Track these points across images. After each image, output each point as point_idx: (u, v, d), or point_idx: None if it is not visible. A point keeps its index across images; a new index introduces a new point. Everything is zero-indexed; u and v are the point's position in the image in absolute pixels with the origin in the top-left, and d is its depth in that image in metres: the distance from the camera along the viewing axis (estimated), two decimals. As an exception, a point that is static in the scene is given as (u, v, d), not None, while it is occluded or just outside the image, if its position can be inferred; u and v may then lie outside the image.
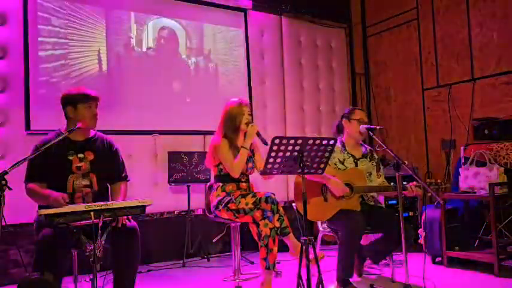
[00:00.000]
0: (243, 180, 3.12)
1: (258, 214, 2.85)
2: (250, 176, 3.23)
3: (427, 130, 5.05)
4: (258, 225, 2.86)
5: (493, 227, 3.33)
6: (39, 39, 3.79)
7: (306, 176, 2.49)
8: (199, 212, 4.45)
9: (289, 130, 5.15)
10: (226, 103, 3.20)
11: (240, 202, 2.91)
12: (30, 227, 2.88)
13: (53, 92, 3.75)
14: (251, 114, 3.17)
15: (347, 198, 3.02)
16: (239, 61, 4.88)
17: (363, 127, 3.12)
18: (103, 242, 2.17)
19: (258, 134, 3.07)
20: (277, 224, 2.84)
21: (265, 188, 3.21)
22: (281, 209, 2.88)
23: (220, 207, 3.01)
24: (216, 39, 4.76)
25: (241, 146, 3.03)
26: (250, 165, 3.15)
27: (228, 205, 2.96)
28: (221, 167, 3.11)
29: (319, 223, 3.27)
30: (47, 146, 2.37)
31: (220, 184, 3.10)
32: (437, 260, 3.78)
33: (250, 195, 2.93)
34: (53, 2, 3.88)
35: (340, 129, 3.31)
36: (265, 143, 2.95)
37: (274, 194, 2.91)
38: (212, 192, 3.13)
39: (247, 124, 3.09)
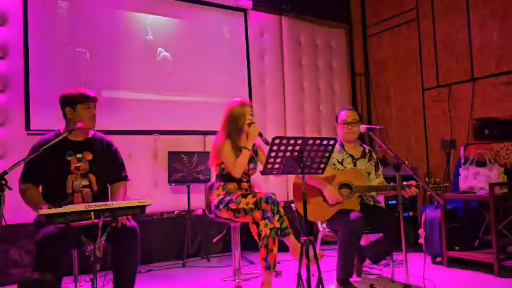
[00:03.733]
0: (244, 180, 3.13)
1: (258, 214, 2.86)
2: (251, 176, 3.24)
3: (427, 130, 5.05)
4: (258, 226, 2.86)
5: (493, 227, 3.33)
6: (39, 39, 3.79)
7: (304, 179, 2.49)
8: (199, 212, 4.45)
9: (289, 130, 5.15)
10: (228, 103, 3.20)
11: (240, 202, 2.92)
12: (30, 227, 2.88)
13: (53, 92, 3.74)
14: (253, 115, 3.17)
15: (347, 198, 3.02)
16: (239, 61, 4.88)
17: (362, 127, 3.14)
18: (103, 242, 2.17)
19: (260, 135, 3.07)
20: (277, 225, 2.84)
21: (266, 188, 3.21)
22: (281, 210, 2.88)
23: (221, 206, 3.01)
24: (216, 39, 4.75)
25: (243, 147, 3.03)
26: (252, 165, 3.16)
27: (229, 205, 2.96)
28: (223, 166, 3.11)
29: (319, 223, 3.27)
30: (45, 147, 2.37)
31: (222, 183, 3.10)
32: (437, 260, 3.78)
33: (251, 195, 2.93)
34: (52, 2, 3.89)
35: None
36: (267, 143, 2.97)
37: (274, 195, 2.91)
38: (213, 192, 3.14)
39: (249, 125, 3.09)
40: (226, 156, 3.04)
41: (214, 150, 3.13)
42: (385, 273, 3.50)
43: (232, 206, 2.94)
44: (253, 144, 3.19)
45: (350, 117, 3.20)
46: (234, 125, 3.11)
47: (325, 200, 3.04)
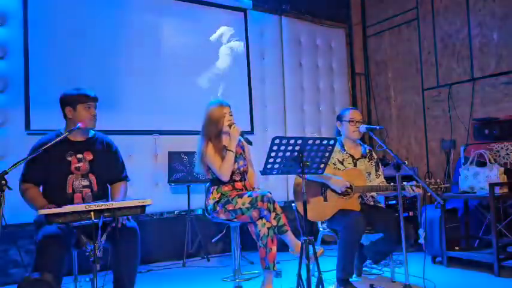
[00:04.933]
0: (237, 179, 3.11)
1: (255, 213, 2.85)
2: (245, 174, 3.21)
3: (427, 130, 5.05)
4: (256, 226, 2.86)
5: (493, 227, 3.33)
6: (39, 39, 3.79)
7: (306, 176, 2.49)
8: (199, 212, 4.46)
9: (289, 130, 5.15)
10: (206, 105, 3.16)
11: (237, 202, 2.91)
12: (30, 227, 2.89)
13: (53, 92, 3.73)
14: (232, 115, 3.13)
15: (347, 198, 3.02)
16: (239, 61, 4.88)
17: (362, 127, 3.14)
18: (103, 242, 2.17)
19: (242, 135, 3.06)
20: (274, 223, 2.83)
21: (265, 188, 3.20)
22: (277, 207, 2.87)
23: (218, 208, 3.00)
24: (215, 39, 4.75)
25: (227, 149, 3.01)
26: (241, 162, 3.13)
27: (226, 206, 2.95)
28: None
29: (319, 223, 3.27)
30: (45, 147, 2.37)
31: (216, 187, 3.08)
32: (437, 260, 3.78)
33: (247, 194, 2.92)
34: (52, 2, 3.89)
35: (339, 131, 3.33)
36: (250, 143, 3.03)
37: (270, 193, 2.91)
38: (208, 196, 3.12)
39: (229, 126, 3.06)
40: (210, 161, 3.02)
41: (199, 156, 3.10)
42: (385, 273, 3.50)
43: (229, 207, 2.94)
44: (239, 141, 3.15)
45: (358, 116, 3.23)
46: (214, 128, 3.07)
47: (325, 199, 3.04)
